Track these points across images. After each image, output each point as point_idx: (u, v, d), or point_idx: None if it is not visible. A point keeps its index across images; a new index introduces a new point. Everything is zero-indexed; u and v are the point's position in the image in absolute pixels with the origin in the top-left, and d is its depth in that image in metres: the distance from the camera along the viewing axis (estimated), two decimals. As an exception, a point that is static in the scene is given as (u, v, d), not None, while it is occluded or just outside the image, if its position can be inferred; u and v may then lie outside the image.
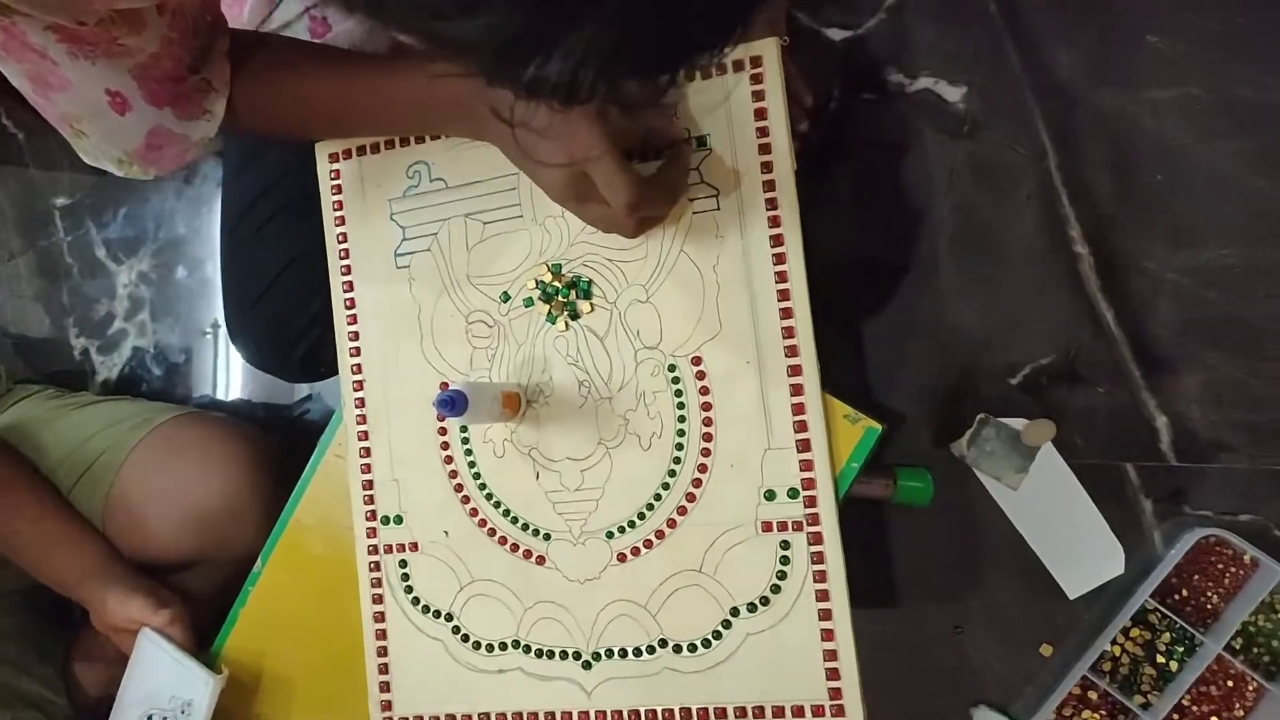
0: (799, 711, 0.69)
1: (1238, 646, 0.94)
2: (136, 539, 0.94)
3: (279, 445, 1.04)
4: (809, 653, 0.69)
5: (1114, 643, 0.92)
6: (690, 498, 0.72)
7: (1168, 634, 0.94)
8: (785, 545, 0.70)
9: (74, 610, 1.19)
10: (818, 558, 0.69)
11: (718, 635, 0.71)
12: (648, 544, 0.73)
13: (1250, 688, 0.94)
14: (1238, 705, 0.95)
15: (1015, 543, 0.93)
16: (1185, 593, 0.95)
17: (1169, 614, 0.93)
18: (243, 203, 0.97)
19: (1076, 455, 0.93)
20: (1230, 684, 0.95)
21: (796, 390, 0.70)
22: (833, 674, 0.68)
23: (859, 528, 0.99)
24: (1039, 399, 0.93)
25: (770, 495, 0.70)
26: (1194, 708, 0.94)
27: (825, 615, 0.69)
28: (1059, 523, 0.91)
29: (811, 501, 0.69)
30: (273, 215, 0.95)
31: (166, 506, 0.95)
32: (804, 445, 0.70)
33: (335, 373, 1.00)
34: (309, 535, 0.84)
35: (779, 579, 0.70)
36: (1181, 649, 0.94)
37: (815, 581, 0.69)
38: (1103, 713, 0.94)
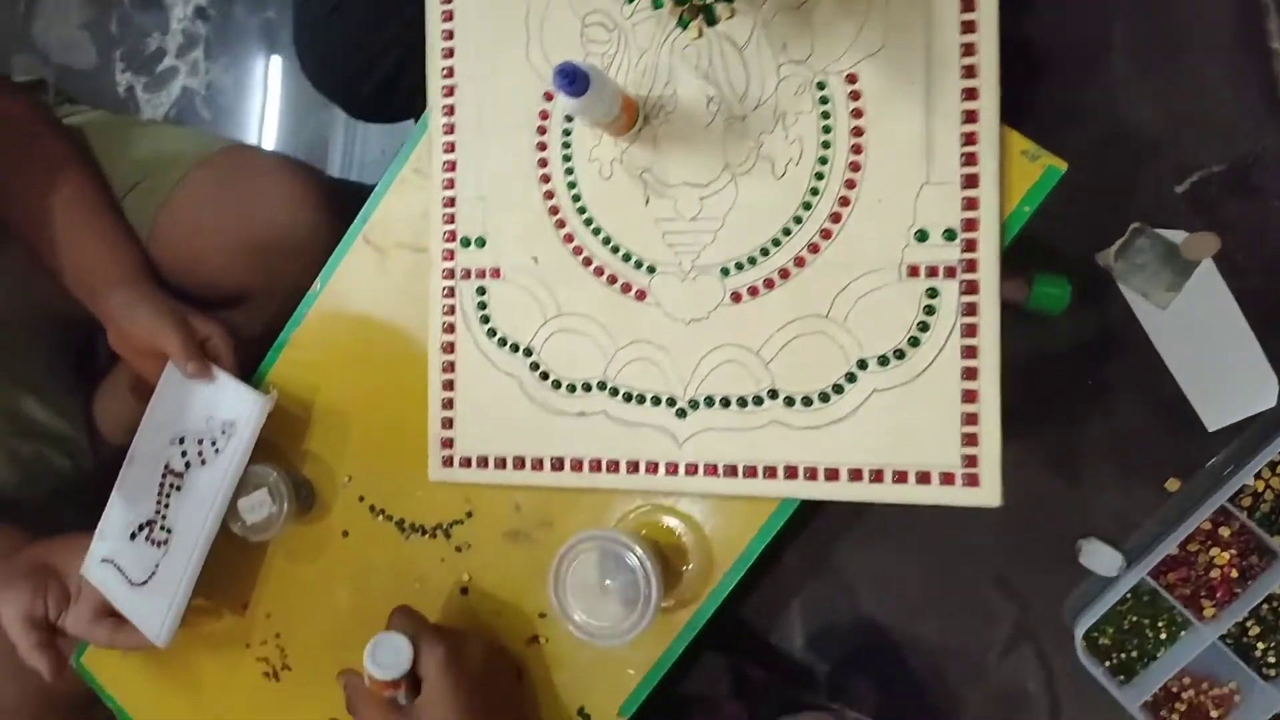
0: (924, 477, 0.61)
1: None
2: (182, 262, 0.86)
3: (341, 190, 0.95)
4: (944, 414, 0.60)
5: (1258, 476, 0.84)
6: (825, 234, 0.63)
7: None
8: (932, 293, 0.61)
9: (99, 352, 1.12)
10: (969, 309, 0.60)
11: (839, 389, 0.63)
12: (768, 284, 0.64)
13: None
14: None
15: (1152, 367, 0.84)
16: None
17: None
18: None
19: (1238, 277, 0.83)
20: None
21: (969, 117, 0.60)
22: (970, 439, 0.60)
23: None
24: (1203, 212, 0.83)
25: (922, 236, 0.61)
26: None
27: (970, 374, 0.60)
28: (1208, 348, 0.82)
29: (971, 245, 0.60)
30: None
31: (221, 230, 0.86)
32: (970, 181, 0.60)
33: (407, 116, 0.91)
34: (375, 256, 0.76)
35: (920, 330, 0.61)
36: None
37: (963, 336, 0.60)
38: (1233, 551, 0.86)
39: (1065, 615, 0.88)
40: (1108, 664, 0.85)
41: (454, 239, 0.72)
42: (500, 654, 0.69)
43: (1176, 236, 0.78)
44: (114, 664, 0.84)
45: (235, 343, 0.78)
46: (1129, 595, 0.87)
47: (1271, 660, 0.88)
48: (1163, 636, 0.89)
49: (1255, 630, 0.88)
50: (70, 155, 0.84)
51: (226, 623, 0.80)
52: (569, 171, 0.69)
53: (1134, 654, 0.89)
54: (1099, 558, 0.83)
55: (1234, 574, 0.88)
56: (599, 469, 0.68)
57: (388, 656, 0.62)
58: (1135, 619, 0.89)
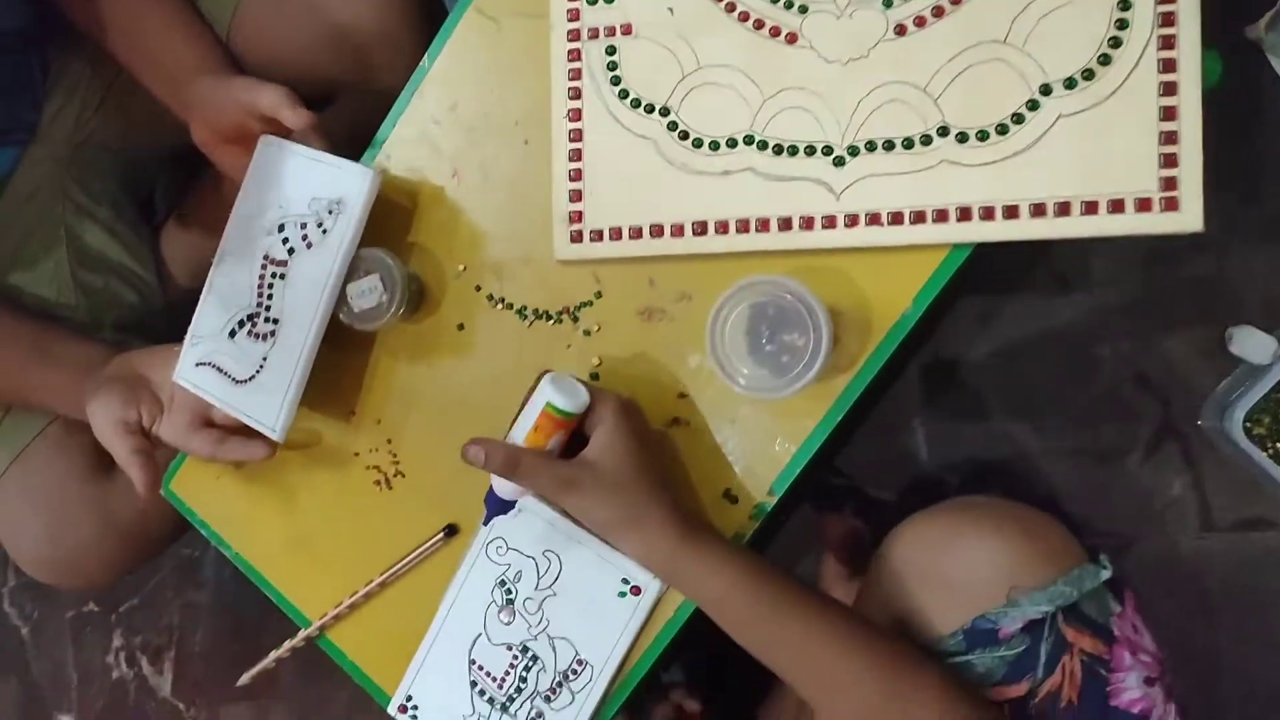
0: (1117, 206, 0.56)
1: None
2: (265, 55, 0.81)
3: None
4: (1140, 135, 0.56)
5: None
6: (1001, -47, 0.58)
7: None
8: (1124, 4, 0.56)
9: (157, 208, 1.07)
10: (1167, 19, 0.56)
11: (1019, 119, 0.58)
12: (937, 12, 0.59)
13: None
14: None
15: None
16: None
17: None
18: None
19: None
20: None
21: None
22: (1169, 160, 0.56)
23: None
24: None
25: (1112, -57, 0.56)
26: None
27: (1168, 89, 0.56)
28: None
29: (1167, -50, 0.55)
30: None
31: (309, 19, 0.80)
32: (1166, -120, 0.55)
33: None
34: (489, 26, 0.71)
35: (1111, 47, 0.56)
36: None
37: (1160, 49, 0.56)
38: None
39: (1210, 411, 0.84)
40: (1267, 453, 0.82)
41: (579, -4, 0.67)
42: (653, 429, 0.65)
43: (1330, 5, 0.74)
44: (206, 489, 0.80)
45: (325, 130, 0.72)
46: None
47: None
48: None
49: None
50: None
51: (333, 432, 0.76)
52: (706, -89, 0.64)
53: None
54: (1252, 344, 0.79)
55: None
56: (747, 229, 0.63)
57: (567, 391, 0.57)
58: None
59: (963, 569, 0.63)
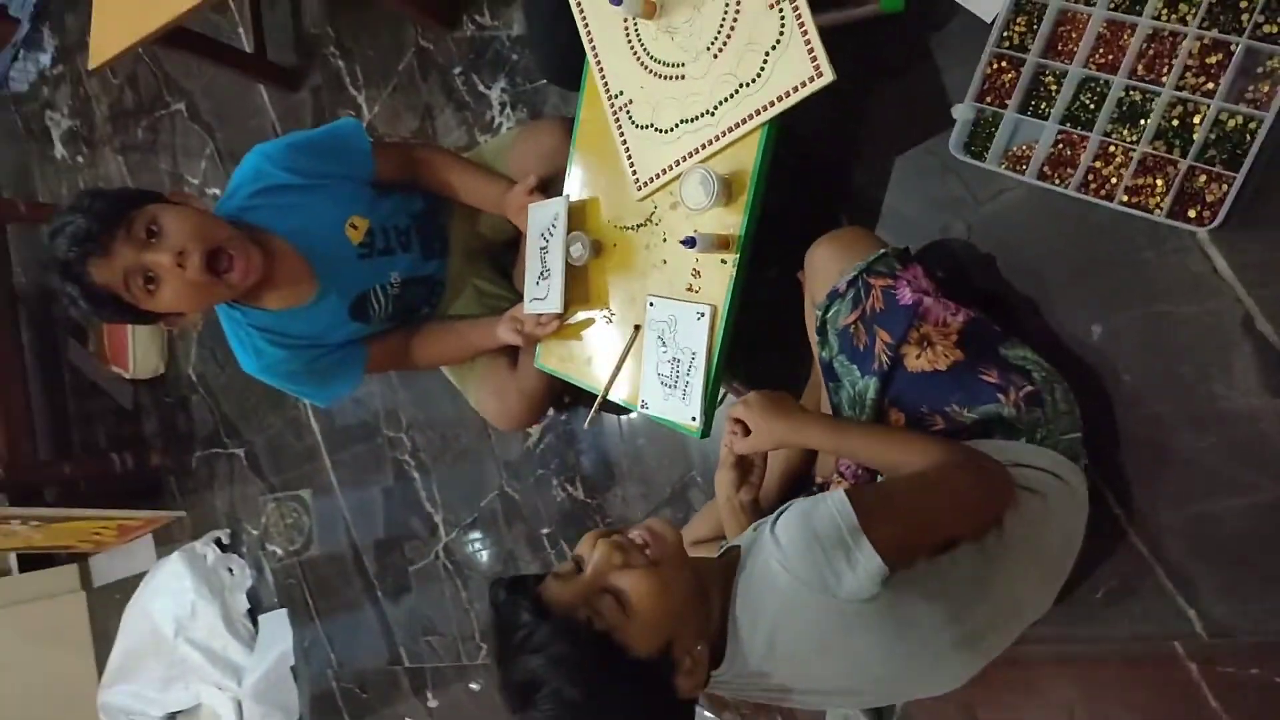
0: (804, 85, 1.40)
1: None
2: (520, 173, 1.88)
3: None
4: (799, 62, 1.40)
5: None
6: None
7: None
8: (776, 42, 1.41)
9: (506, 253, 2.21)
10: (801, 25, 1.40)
11: (747, 85, 1.45)
12: (719, 53, 1.48)
13: None
14: None
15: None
16: None
17: None
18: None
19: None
20: None
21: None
22: (815, 65, 1.39)
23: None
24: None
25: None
26: None
27: (810, 48, 1.39)
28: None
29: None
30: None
31: (536, 164, 1.88)
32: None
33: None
34: (595, 117, 1.72)
35: (772, 48, 1.41)
36: None
37: (800, 29, 1.40)
38: None
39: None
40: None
41: None
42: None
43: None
44: (557, 357, 1.84)
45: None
46: None
47: None
48: None
49: None
50: (458, 157, 1.92)
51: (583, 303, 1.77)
52: None
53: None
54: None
55: None
56: (689, 156, 1.55)
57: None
58: None
59: (824, 268, 1.44)
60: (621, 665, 0.98)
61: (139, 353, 3.35)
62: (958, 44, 1.50)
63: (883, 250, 1.36)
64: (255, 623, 3.13)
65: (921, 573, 1.08)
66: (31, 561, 3.86)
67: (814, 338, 1.44)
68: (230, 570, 3.17)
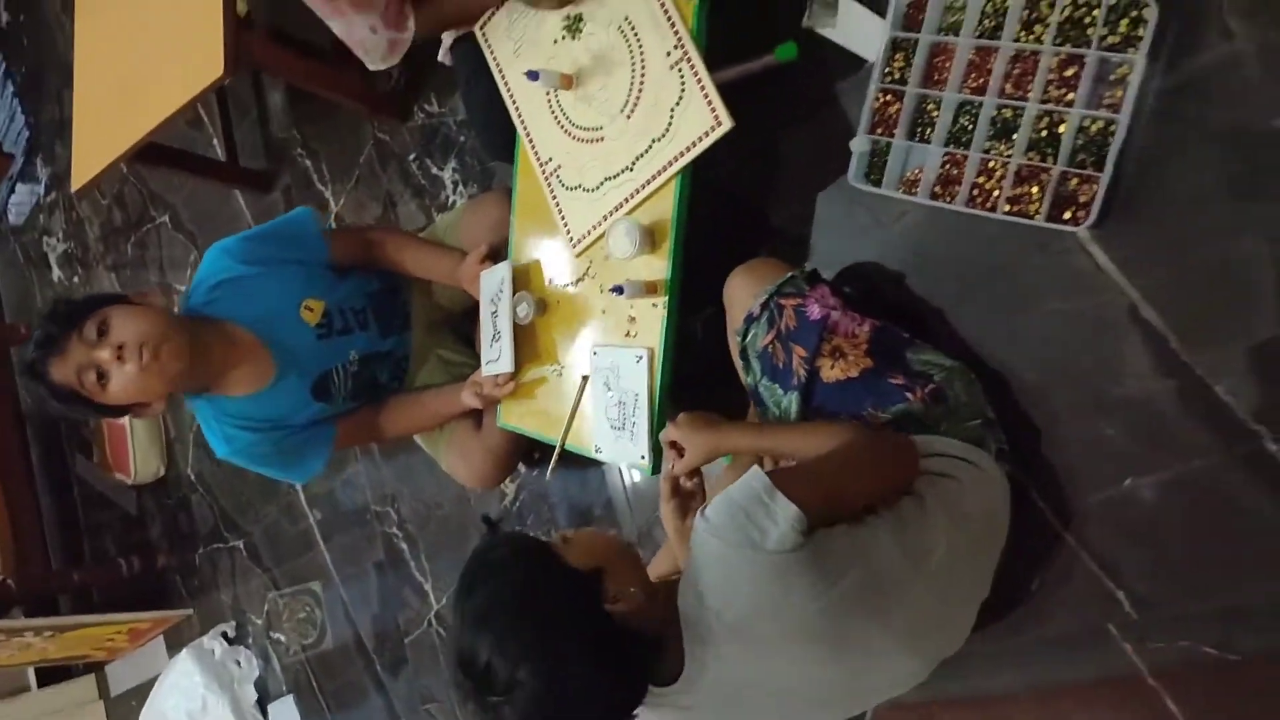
0: (706, 135, 1.52)
1: None
2: (468, 247, 2.00)
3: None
4: (699, 117, 1.52)
5: None
6: None
7: None
8: (679, 98, 1.54)
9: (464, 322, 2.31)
10: (688, 60, 1.52)
11: (657, 139, 1.56)
12: (631, 113, 1.61)
13: None
14: None
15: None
16: None
17: None
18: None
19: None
20: None
21: None
22: (715, 115, 1.51)
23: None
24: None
25: None
26: None
27: (708, 96, 1.51)
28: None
29: (674, 50, 1.53)
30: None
31: (487, 234, 2.00)
32: None
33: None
34: (530, 185, 1.84)
35: (676, 104, 1.54)
36: None
37: (698, 84, 1.52)
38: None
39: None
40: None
41: None
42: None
43: (823, -12, 1.58)
44: (515, 413, 1.93)
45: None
46: None
47: None
48: None
49: None
50: (411, 236, 2.04)
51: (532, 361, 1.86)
52: None
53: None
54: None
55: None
56: (614, 211, 1.66)
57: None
58: None
59: (740, 297, 1.54)
60: (553, 564, 1.14)
61: (139, 458, 3.45)
62: (849, 84, 1.62)
63: (791, 274, 1.46)
64: (265, 712, 3.16)
65: (843, 532, 1.17)
66: (49, 675, 3.91)
67: (738, 363, 1.53)
68: (238, 663, 3.22)
